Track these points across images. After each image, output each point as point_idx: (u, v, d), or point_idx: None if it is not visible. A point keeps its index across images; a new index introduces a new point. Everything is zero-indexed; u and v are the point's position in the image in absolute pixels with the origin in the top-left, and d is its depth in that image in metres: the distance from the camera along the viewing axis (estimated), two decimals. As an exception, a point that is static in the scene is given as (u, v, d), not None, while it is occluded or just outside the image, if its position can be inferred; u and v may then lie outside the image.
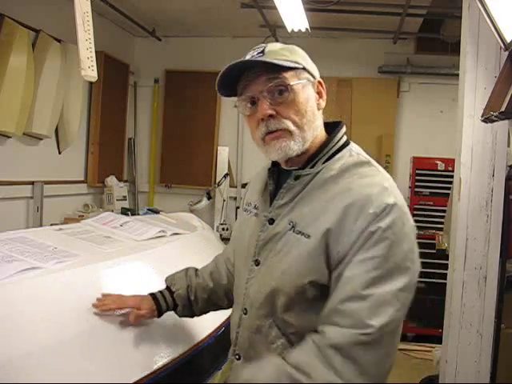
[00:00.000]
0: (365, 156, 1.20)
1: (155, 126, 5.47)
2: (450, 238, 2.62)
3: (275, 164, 1.27)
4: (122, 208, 4.30)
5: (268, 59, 1.13)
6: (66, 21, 2.29)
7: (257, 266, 1.22)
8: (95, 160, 4.73)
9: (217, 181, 5.21)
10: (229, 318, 1.48)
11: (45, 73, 3.73)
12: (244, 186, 5.34)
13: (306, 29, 4.05)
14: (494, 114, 1.89)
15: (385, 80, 5.07)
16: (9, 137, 3.61)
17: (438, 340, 2.79)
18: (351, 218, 1.07)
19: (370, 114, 5.03)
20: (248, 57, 1.17)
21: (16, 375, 1.10)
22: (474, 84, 2.41)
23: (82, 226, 2.08)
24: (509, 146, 2.47)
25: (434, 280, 4.36)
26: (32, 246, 1.59)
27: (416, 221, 3.56)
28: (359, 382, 1.00)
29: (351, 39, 5.03)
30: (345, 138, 1.23)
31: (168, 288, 1.48)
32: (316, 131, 1.20)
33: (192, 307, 1.46)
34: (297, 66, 1.16)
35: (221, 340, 1.82)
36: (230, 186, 5.29)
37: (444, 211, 3.34)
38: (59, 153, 4.28)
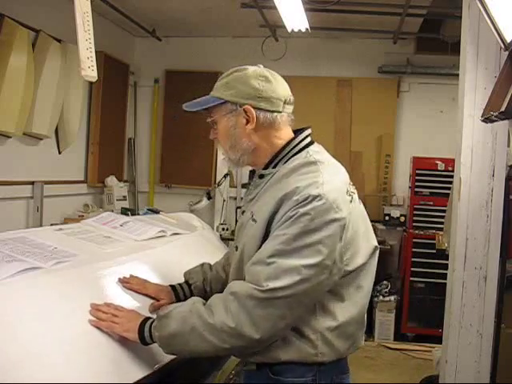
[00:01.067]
0: (315, 157, 1.37)
1: (155, 126, 5.47)
2: (449, 238, 2.62)
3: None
4: (122, 208, 4.31)
5: (206, 96, 1.43)
6: (66, 21, 2.28)
7: (236, 250, 1.44)
8: (95, 160, 4.73)
9: (217, 181, 5.21)
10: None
11: (45, 73, 3.73)
12: (244, 185, 5.34)
13: (306, 29, 4.05)
14: (494, 114, 1.89)
15: (385, 80, 5.08)
16: (9, 137, 3.61)
17: (438, 340, 2.79)
18: (282, 206, 1.28)
19: (370, 113, 5.03)
20: None
21: (16, 375, 1.10)
22: (474, 84, 2.41)
23: (81, 226, 2.07)
24: (509, 145, 2.47)
25: (433, 280, 4.37)
26: (32, 246, 1.59)
27: (416, 221, 3.58)
28: (248, 330, 1.22)
29: (351, 39, 5.03)
30: (307, 141, 1.43)
31: (186, 282, 1.65)
32: (244, 150, 1.41)
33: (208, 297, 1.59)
34: (216, 102, 1.40)
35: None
36: (230, 186, 5.28)
37: (444, 211, 3.34)
38: (59, 153, 4.29)
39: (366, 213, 1.44)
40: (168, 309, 1.33)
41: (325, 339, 1.32)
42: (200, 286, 1.63)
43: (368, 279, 1.39)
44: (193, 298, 1.39)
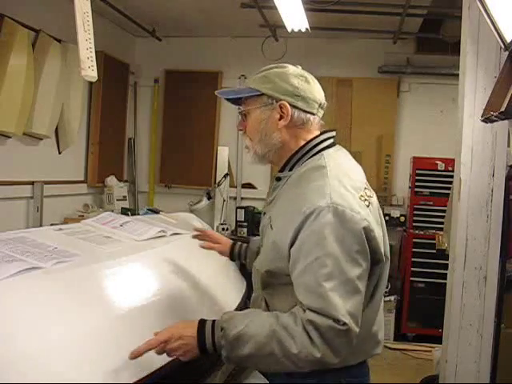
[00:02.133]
0: (326, 161, 1.36)
1: (155, 126, 5.47)
2: (449, 238, 2.62)
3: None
4: (122, 208, 4.31)
5: (233, 90, 1.48)
6: (66, 21, 2.29)
7: (259, 253, 1.49)
8: (95, 160, 4.74)
9: (217, 181, 5.21)
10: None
11: (45, 73, 3.73)
12: (244, 185, 5.35)
13: (306, 29, 4.05)
14: (494, 114, 1.89)
15: (385, 80, 5.08)
16: (9, 137, 3.61)
17: (438, 340, 2.79)
18: (290, 219, 1.28)
19: (370, 114, 5.03)
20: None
21: (16, 375, 1.10)
22: (474, 84, 2.41)
23: (81, 226, 2.07)
24: (509, 145, 2.47)
25: (434, 280, 4.37)
26: (32, 246, 1.59)
27: (416, 221, 3.57)
28: (330, 358, 1.21)
29: (351, 39, 5.03)
30: (327, 143, 1.42)
31: (247, 242, 1.79)
32: (272, 146, 1.41)
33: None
34: (251, 94, 1.40)
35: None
36: (230, 186, 5.29)
37: (444, 211, 3.34)
38: (59, 153, 4.28)
39: (383, 220, 1.41)
40: (236, 326, 1.25)
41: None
42: (254, 250, 1.67)
43: (382, 287, 1.43)
44: (267, 316, 1.28)
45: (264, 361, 1.24)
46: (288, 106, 1.38)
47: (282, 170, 1.44)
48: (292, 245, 1.27)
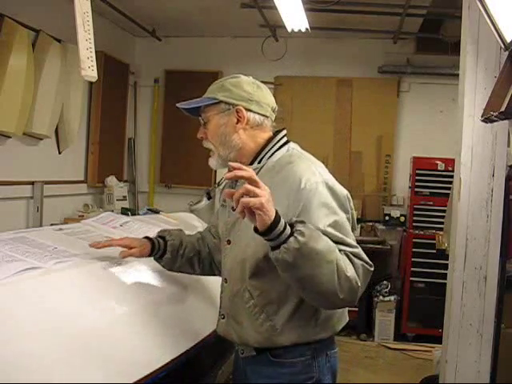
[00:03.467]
0: (298, 150, 1.57)
1: (155, 126, 5.47)
2: (450, 238, 2.62)
3: None
4: (122, 208, 4.31)
5: (201, 97, 1.58)
6: (65, 21, 2.28)
7: (228, 244, 1.55)
8: (95, 160, 4.73)
9: (217, 181, 5.21)
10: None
11: (45, 73, 3.73)
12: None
13: (306, 29, 4.05)
14: (494, 114, 1.89)
15: (385, 80, 5.08)
16: (9, 137, 3.61)
17: (438, 340, 2.79)
18: (290, 198, 1.39)
19: (369, 113, 5.03)
20: None
21: (16, 375, 1.10)
22: (474, 84, 2.41)
23: (81, 226, 2.07)
24: (509, 145, 2.47)
25: (433, 280, 4.36)
26: (32, 246, 1.59)
27: (416, 221, 3.58)
28: (359, 293, 1.33)
29: (351, 39, 5.03)
30: (284, 140, 1.57)
31: (162, 237, 1.71)
32: (234, 148, 1.54)
33: (175, 259, 1.70)
34: (210, 102, 1.54)
35: (221, 340, 1.82)
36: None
37: (444, 211, 3.34)
38: (59, 153, 4.28)
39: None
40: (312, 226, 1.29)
41: (325, 317, 1.46)
42: (176, 244, 1.69)
43: None
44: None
45: (325, 266, 1.26)
46: (243, 110, 1.52)
47: (250, 164, 1.52)
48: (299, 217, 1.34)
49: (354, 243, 1.38)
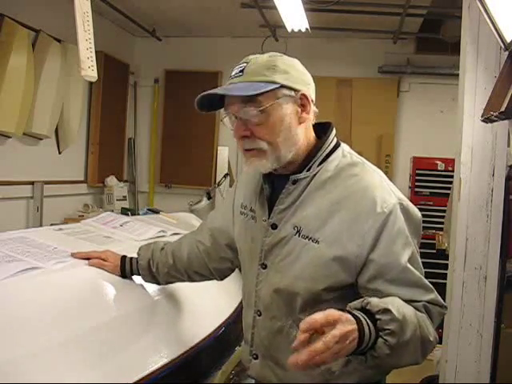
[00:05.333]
0: (357, 156, 1.29)
1: (155, 125, 5.47)
2: (450, 238, 2.62)
3: None
4: (122, 208, 4.31)
5: (240, 84, 1.18)
6: (65, 21, 2.29)
7: (264, 269, 1.27)
8: (95, 160, 4.73)
9: (217, 181, 5.21)
10: (228, 319, 1.50)
11: (45, 73, 3.73)
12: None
13: (306, 29, 4.05)
14: (494, 114, 1.89)
15: (385, 80, 5.07)
16: (9, 137, 3.61)
17: (438, 340, 2.78)
18: (363, 222, 1.14)
19: (369, 113, 5.02)
20: (233, 72, 1.21)
21: (16, 375, 1.10)
22: (474, 84, 2.41)
23: (81, 226, 2.08)
24: (509, 145, 2.47)
25: (433, 280, 4.35)
26: (32, 246, 1.59)
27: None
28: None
29: (351, 39, 5.03)
30: (335, 140, 1.29)
31: (137, 257, 1.61)
32: (296, 145, 1.22)
33: (155, 277, 1.59)
34: (270, 87, 1.17)
35: (221, 340, 1.82)
36: (230, 186, 5.28)
37: (444, 211, 3.34)
38: (59, 153, 4.28)
39: None
40: (392, 306, 1.04)
41: None
42: (144, 265, 1.56)
43: None
44: (409, 306, 1.13)
45: (412, 349, 1.09)
46: (308, 95, 1.21)
47: (297, 172, 1.23)
48: (372, 249, 1.14)
49: (429, 285, 1.19)
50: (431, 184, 4.57)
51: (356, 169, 1.23)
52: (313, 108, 1.24)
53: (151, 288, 1.68)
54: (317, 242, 1.17)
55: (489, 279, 2.44)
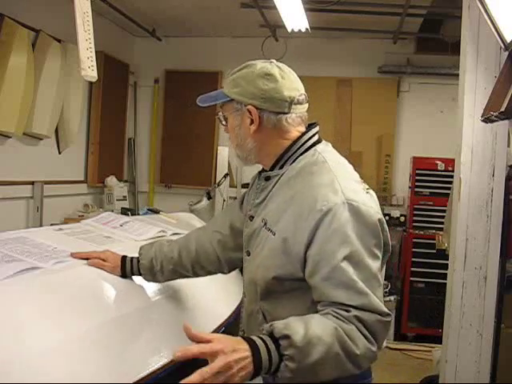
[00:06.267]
0: (327, 155, 1.33)
1: (155, 126, 5.47)
2: (450, 238, 2.62)
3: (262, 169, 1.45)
4: (122, 208, 4.30)
5: (217, 92, 1.39)
6: (66, 21, 2.28)
7: (248, 256, 1.41)
8: (95, 160, 4.73)
9: (217, 181, 5.21)
10: (228, 318, 1.52)
11: (45, 73, 3.73)
12: (244, 185, 5.34)
13: (306, 29, 4.05)
14: (494, 113, 1.89)
15: (385, 80, 5.07)
16: (9, 137, 3.61)
17: (438, 340, 2.79)
18: (302, 219, 1.21)
19: (370, 113, 5.03)
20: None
21: (16, 375, 1.10)
22: (474, 84, 2.41)
23: (81, 226, 2.08)
24: (509, 145, 2.47)
25: (433, 280, 4.37)
26: (32, 246, 1.59)
27: (416, 221, 3.59)
28: (377, 351, 1.17)
29: (351, 39, 5.03)
30: (315, 138, 1.37)
31: (137, 257, 1.62)
32: (251, 151, 1.37)
33: (156, 275, 1.60)
34: (224, 99, 1.36)
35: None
36: (230, 186, 5.28)
37: (444, 211, 3.34)
38: (59, 153, 4.28)
39: None
40: (298, 330, 1.08)
41: None
42: (147, 264, 1.58)
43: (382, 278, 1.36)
44: (319, 316, 1.17)
45: (329, 366, 1.12)
46: (255, 110, 1.31)
47: (271, 169, 1.37)
48: (309, 245, 1.20)
49: (365, 289, 1.16)
50: (431, 184, 4.57)
51: (314, 167, 1.29)
52: (270, 118, 1.32)
53: (151, 288, 1.68)
54: (274, 233, 1.27)
55: (489, 279, 2.44)
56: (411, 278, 4.55)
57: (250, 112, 1.32)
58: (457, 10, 3.02)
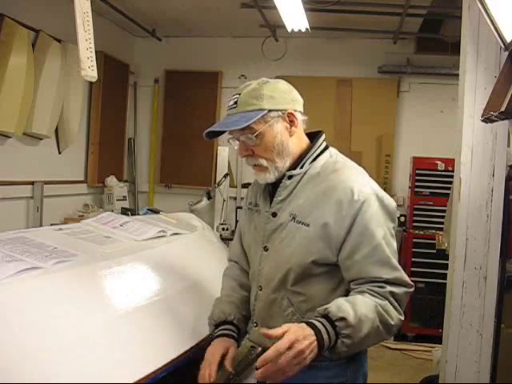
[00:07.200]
0: (341, 156, 1.54)
1: (155, 126, 5.47)
2: (450, 238, 2.62)
3: None
4: (122, 208, 4.31)
5: (234, 118, 1.44)
6: (66, 21, 2.28)
7: (266, 251, 1.51)
8: (95, 160, 4.74)
9: (217, 181, 5.21)
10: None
11: (45, 73, 3.73)
12: (244, 185, 5.35)
13: (306, 29, 4.05)
14: (494, 114, 1.89)
15: (385, 80, 5.08)
16: (9, 137, 3.62)
17: (438, 340, 2.79)
18: (342, 208, 1.38)
19: (370, 113, 5.03)
20: (227, 105, 1.50)
21: (16, 375, 1.10)
22: (474, 84, 2.41)
23: (81, 226, 2.07)
24: (509, 145, 2.47)
25: (433, 280, 4.36)
26: (32, 246, 1.59)
27: (416, 221, 3.59)
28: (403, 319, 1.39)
29: (351, 39, 5.03)
30: (324, 144, 1.54)
31: (225, 322, 1.54)
32: (290, 154, 1.48)
33: (247, 321, 1.59)
34: (260, 115, 1.41)
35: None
36: (230, 186, 5.29)
37: (444, 211, 3.34)
38: (59, 153, 4.29)
39: None
40: (349, 311, 1.27)
41: None
42: (239, 316, 1.56)
43: None
44: (361, 296, 1.35)
45: (372, 337, 1.33)
46: (293, 112, 1.46)
47: (293, 169, 1.49)
48: (350, 230, 1.37)
49: (397, 264, 1.40)
50: (431, 184, 4.57)
51: (337, 165, 1.48)
52: (300, 118, 1.49)
53: (151, 288, 1.68)
54: (307, 225, 1.42)
55: (489, 279, 2.44)
56: (411, 278, 4.50)
57: (289, 116, 1.46)
58: (457, 9, 3.03)
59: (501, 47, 2.00)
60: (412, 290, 1.41)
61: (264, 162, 1.47)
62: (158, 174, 5.48)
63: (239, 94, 1.45)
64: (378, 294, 1.35)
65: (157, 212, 3.05)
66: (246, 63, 5.19)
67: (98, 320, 1.39)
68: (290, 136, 1.47)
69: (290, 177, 1.48)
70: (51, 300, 1.34)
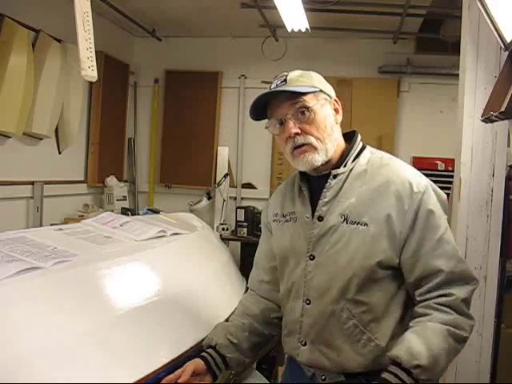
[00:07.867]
0: (384, 152, 1.52)
1: (155, 126, 5.47)
2: (450, 238, 2.61)
3: (302, 173, 1.47)
4: (122, 208, 4.31)
5: (290, 88, 1.37)
6: (66, 21, 2.29)
7: (312, 260, 1.38)
8: (95, 160, 4.74)
9: (217, 181, 5.21)
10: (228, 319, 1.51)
11: (45, 73, 3.73)
12: (244, 185, 5.34)
13: (306, 29, 4.05)
14: (494, 114, 1.89)
15: (385, 80, 5.07)
16: (9, 137, 3.62)
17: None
18: (403, 202, 1.32)
19: (370, 114, 5.02)
20: (273, 85, 1.41)
21: (16, 375, 1.10)
22: (474, 84, 2.41)
23: (81, 226, 2.07)
24: (509, 145, 2.47)
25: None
26: (32, 246, 1.59)
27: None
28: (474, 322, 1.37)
29: (351, 39, 5.03)
30: (361, 143, 1.49)
31: (210, 347, 1.49)
32: (336, 142, 1.42)
33: (240, 351, 1.50)
34: (315, 89, 1.39)
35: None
36: (230, 186, 5.29)
37: (444, 211, 3.34)
38: (59, 153, 4.29)
39: None
40: (420, 352, 1.21)
41: None
42: (224, 342, 1.49)
43: None
44: (428, 323, 1.29)
45: (451, 359, 1.30)
46: (338, 100, 1.45)
47: (337, 167, 1.41)
48: (412, 226, 1.31)
49: (461, 256, 1.34)
50: (431, 184, 4.56)
51: (384, 160, 1.44)
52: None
53: (151, 288, 1.68)
54: (366, 224, 1.32)
55: (489, 279, 2.44)
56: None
57: (336, 102, 1.44)
58: (457, 10, 3.03)
59: (501, 47, 1.99)
60: (477, 286, 1.33)
61: (314, 141, 1.37)
62: (158, 174, 5.48)
63: (286, 75, 1.42)
64: (448, 306, 1.27)
65: (157, 212, 3.05)
66: (245, 63, 5.19)
67: (97, 320, 1.39)
68: (337, 123, 1.44)
69: (335, 176, 1.40)
70: (51, 300, 1.34)
